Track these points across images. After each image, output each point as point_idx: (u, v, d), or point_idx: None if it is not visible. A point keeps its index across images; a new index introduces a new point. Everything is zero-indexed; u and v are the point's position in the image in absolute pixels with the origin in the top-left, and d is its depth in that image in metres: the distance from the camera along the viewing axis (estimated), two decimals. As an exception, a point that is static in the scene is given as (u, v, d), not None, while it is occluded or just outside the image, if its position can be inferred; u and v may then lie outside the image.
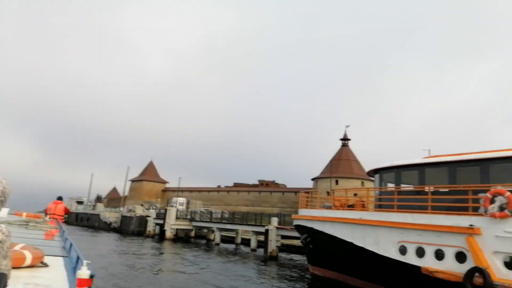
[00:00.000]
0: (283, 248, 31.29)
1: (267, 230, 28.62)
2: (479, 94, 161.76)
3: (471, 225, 10.70)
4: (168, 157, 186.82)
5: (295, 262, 25.79)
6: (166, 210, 43.79)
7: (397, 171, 14.58)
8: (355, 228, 14.45)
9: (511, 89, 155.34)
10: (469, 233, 10.64)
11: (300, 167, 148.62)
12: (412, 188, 14.57)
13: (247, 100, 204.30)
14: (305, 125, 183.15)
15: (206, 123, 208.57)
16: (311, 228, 17.47)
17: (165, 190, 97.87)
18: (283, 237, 28.96)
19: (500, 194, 10.28)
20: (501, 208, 10.15)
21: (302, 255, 29.69)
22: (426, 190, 12.97)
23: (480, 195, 10.87)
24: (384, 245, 13.08)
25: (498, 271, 9.84)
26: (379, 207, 14.80)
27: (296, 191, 75.09)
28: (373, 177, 16.52)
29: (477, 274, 9.93)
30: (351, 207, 16.35)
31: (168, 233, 40.65)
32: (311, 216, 17.75)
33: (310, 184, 72.12)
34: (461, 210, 11.31)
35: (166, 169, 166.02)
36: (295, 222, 20.05)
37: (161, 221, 43.40)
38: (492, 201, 10.38)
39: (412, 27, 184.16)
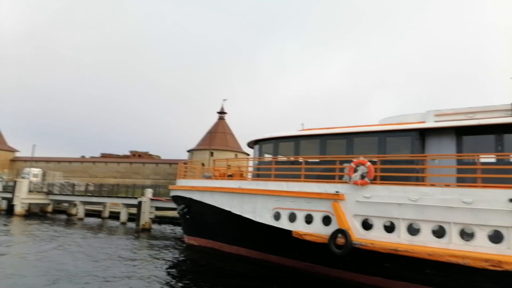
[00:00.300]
0: (157, 220, 30.34)
1: (140, 202, 27.16)
2: (338, 79, 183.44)
3: (337, 192, 11.84)
4: (19, 122, 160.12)
5: (169, 233, 25.23)
6: (15, 182, 37.58)
7: (276, 142, 15.21)
8: (234, 197, 14.64)
9: (360, 77, 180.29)
10: (335, 199, 11.76)
11: (176, 139, 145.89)
12: (288, 158, 15.45)
13: (118, 66, 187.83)
14: (182, 98, 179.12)
15: (68, 84, 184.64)
16: (189, 199, 17.11)
17: (14, 160, 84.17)
18: (157, 208, 27.98)
19: (362, 164, 11.58)
20: (362, 177, 11.45)
21: (175, 226, 29.34)
22: (300, 160, 13.85)
23: (345, 165, 12.08)
24: (260, 212, 13.57)
25: (357, 232, 11.16)
26: (257, 176, 15.29)
27: (171, 162, 73.67)
28: (252, 148, 16.92)
29: (339, 235, 11.05)
30: (230, 177, 16.50)
31: (18, 208, 35.08)
32: (190, 186, 17.33)
33: (185, 156, 71.43)
34: (330, 178, 12.41)
35: (15, 136, 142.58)
36: (172, 193, 19.38)
37: (9, 195, 37.14)
38: (355, 170, 11.62)
39: (285, 12, 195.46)
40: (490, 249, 9.20)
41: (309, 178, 12.92)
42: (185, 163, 20.28)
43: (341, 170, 12.18)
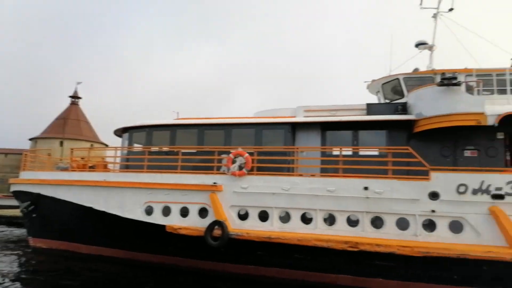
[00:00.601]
0: (-13, 221, 24.97)
1: (-37, 200, 21.78)
2: (205, 72, 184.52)
3: (214, 183, 11.66)
4: None
5: (6, 236, 20.95)
6: None
7: (149, 131, 14.09)
8: (97, 191, 12.97)
9: (225, 71, 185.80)
10: (212, 190, 11.57)
11: (12, 125, 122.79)
12: (160, 149, 14.52)
13: None
14: (21, 77, 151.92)
15: None
16: (38, 194, 14.43)
17: None
18: (-11, 207, 22.98)
19: (240, 155, 11.67)
20: (240, 168, 11.55)
21: (15, 227, 24.73)
22: (176, 151, 13.16)
23: (223, 156, 12.00)
24: (129, 207, 12.38)
25: (233, 222, 11.20)
26: (126, 167, 13.91)
27: (7, 152, 62.07)
28: (120, 136, 15.31)
29: (216, 226, 10.91)
30: (92, 168, 14.57)
31: None
32: (38, 179, 14.60)
33: (26, 145, 60.94)
34: (207, 169, 12.13)
35: None
36: (14, 188, 16.03)
37: None
38: (233, 161, 11.64)
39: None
40: (349, 232, 10.43)
41: (185, 169, 12.38)
42: (27, 154, 17.01)
43: (219, 161, 12.04)
